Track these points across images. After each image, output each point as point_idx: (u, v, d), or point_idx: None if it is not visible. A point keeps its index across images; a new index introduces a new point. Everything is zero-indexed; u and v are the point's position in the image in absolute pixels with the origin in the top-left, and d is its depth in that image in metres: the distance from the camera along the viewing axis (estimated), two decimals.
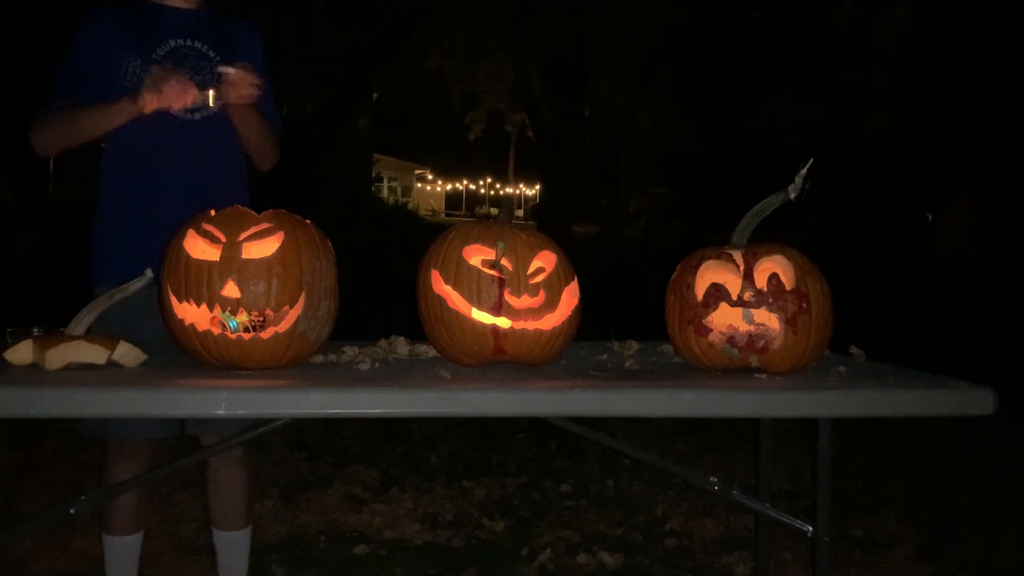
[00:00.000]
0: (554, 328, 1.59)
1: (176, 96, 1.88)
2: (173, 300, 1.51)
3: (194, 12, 2.06)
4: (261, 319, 1.48)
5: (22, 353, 1.46)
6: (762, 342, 1.55)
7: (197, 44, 2.03)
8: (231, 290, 1.47)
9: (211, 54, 2.04)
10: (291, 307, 1.50)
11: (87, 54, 1.98)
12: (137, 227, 1.97)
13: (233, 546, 2.19)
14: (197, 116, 1.99)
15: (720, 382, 1.50)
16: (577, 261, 1.70)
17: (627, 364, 1.71)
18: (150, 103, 1.87)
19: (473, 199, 39.84)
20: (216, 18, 2.10)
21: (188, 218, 1.64)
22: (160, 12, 2.03)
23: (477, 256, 1.58)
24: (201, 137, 2.01)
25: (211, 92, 1.93)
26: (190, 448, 2.10)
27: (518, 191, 36.67)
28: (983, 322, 8.39)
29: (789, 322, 1.54)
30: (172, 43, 2.00)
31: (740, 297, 1.56)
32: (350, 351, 1.70)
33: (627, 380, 1.51)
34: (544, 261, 1.61)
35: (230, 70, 1.92)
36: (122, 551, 2.07)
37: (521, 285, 1.56)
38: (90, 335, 1.52)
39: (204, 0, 2.10)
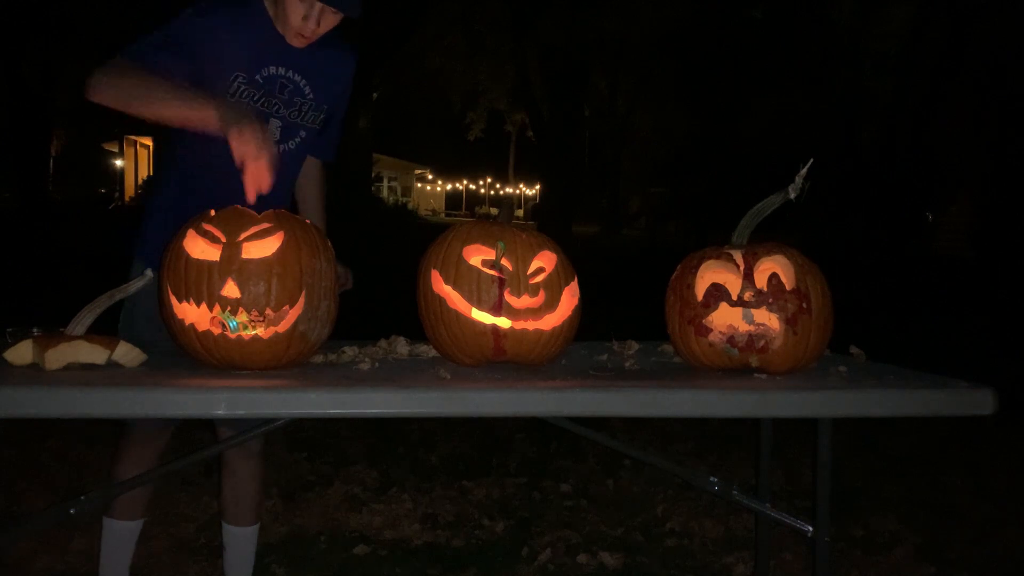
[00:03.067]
0: (554, 328, 1.59)
1: (247, 150, 1.67)
2: (173, 300, 1.51)
3: None
4: (261, 319, 1.48)
5: (22, 353, 1.46)
6: (762, 342, 1.55)
7: (296, 77, 1.96)
8: (231, 290, 1.47)
9: (306, 90, 1.98)
10: (291, 307, 1.50)
11: (198, 40, 1.83)
12: (180, 217, 1.90)
13: (244, 542, 2.19)
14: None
15: (720, 382, 1.50)
16: (577, 261, 1.70)
17: (627, 364, 1.71)
18: (227, 133, 1.68)
19: (473, 199, 39.88)
20: (322, 50, 1.98)
21: None
22: (273, 34, 1.92)
23: (477, 256, 1.58)
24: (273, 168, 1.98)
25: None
26: (189, 447, 2.11)
27: (518, 191, 36.71)
28: (983, 322, 8.39)
29: (789, 322, 1.54)
30: (273, 70, 1.93)
31: (740, 297, 1.56)
32: (350, 351, 1.70)
33: (627, 380, 1.51)
34: (544, 261, 1.61)
35: None
36: (121, 536, 2.07)
37: (521, 285, 1.56)
38: (90, 335, 1.52)
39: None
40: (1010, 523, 3.24)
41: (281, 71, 1.95)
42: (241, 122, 1.67)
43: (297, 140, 2.03)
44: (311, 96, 2.00)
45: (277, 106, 1.96)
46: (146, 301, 1.80)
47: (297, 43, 1.93)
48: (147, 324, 1.89)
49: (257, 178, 1.69)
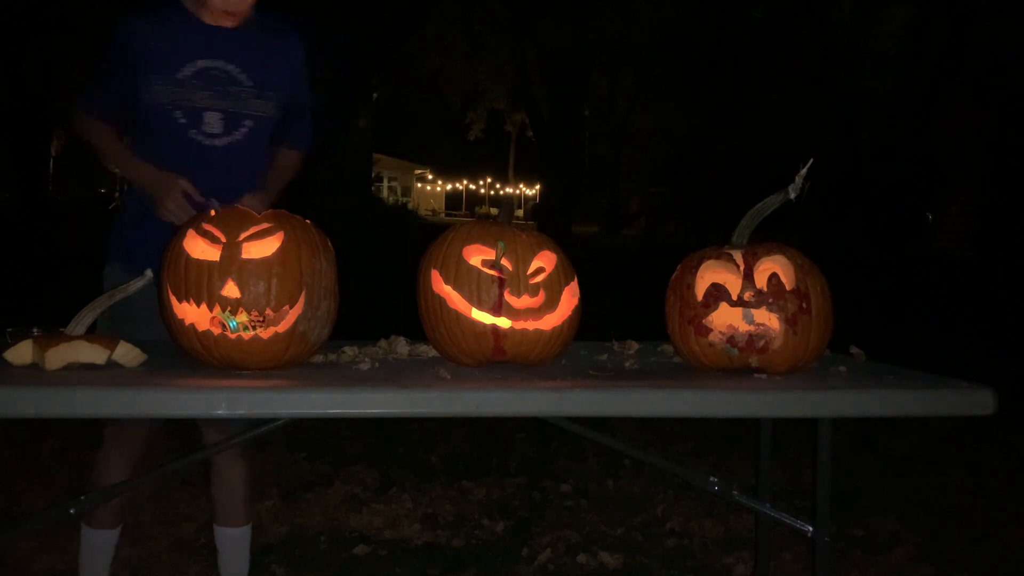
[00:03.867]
0: (554, 328, 1.59)
1: (167, 213, 1.86)
2: (173, 300, 1.51)
3: (233, 30, 1.97)
4: (261, 319, 1.48)
5: (22, 353, 1.46)
6: (762, 342, 1.55)
7: (229, 67, 1.96)
8: (231, 290, 1.47)
9: (242, 78, 1.97)
10: (291, 307, 1.50)
11: (119, 63, 1.93)
12: (151, 219, 1.92)
13: (237, 543, 2.19)
14: (218, 143, 1.97)
15: (720, 382, 1.50)
16: (577, 261, 1.70)
17: (627, 364, 1.71)
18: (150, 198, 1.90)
19: (473, 199, 39.86)
20: (257, 36, 2.00)
21: None
22: (195, 27, 1.94)
23: (477, 256, 1.58)
24: (221, 161, 1.98)
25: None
26: (188, 447, 2.11)
27: (518, 191, 36.69)
28: (983, 322, 8.39)
29: (789, 322, 1.54)
30: (200, 63, 1.93)
31: (740, 297, 1.56)
32: (350, 351, 1.70)
33: (627, 380, 1.51)
34: (544, 261, 1.61)
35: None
36: (100, 544, 2.07)
37: (521, 285, 1.56)
38: (90, 335, 1.52)
39: (248, 18, 1.99)
40: (1010, 523, 3.24)
41: (209, 62, 1.94)
42: (161, 194, 1.85)
43: (244, 130, 2.00)
44: (249, 84, 1.98)
45: (212, 98, 1.95)
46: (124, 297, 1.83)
47: (227, 22, 1.94)
48: (138, 322, 1.88)
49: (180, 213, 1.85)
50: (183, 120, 1.93)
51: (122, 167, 1.99)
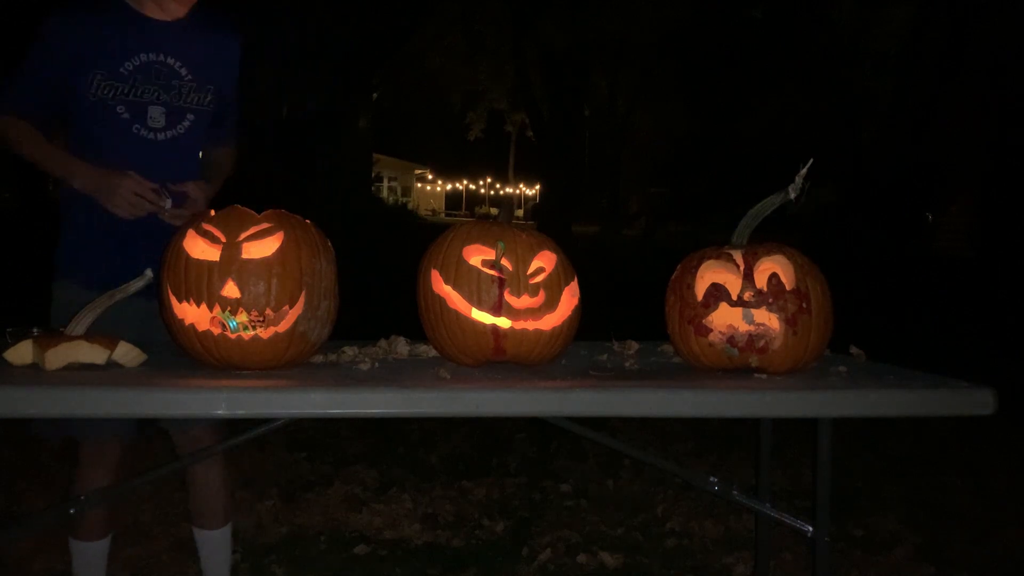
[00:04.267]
0: (554, 328, 1.59)
1: (123, 207, 1.83)
2: (173, 300, 1.51)
3: (173, 24, 1.97)
4: (261, 319, 1.48)
5: (22, 353, 1.46)
6: (762, 342, 1.55)
7: (170, 60, 1.95)
8: (231, 290, 1.47)
9: (183, 72, 1.97)
10: (291, 307, 1.50)
11: (51, 60, 1.89)
12: (97, 230, 1.93)
13: (217, 545, 2.18)
14: (161, 137, 1.96)
15: (720, 382, 1.50)
16: (577, 261, 1.70)
17: (627, 364, 1.71)
18: (99, 198, 1.85)
19: (473, 199, 39.86)
20: (196, 30, 2.00)
21: (144, 226, 1.80)
22: (136, 21, 1.94)
23: (477, 256, 1.58)
24: (164, 155, 1.97)
25: (167, 205, 1.86)
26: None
27: (518, 191, 36.70)
28: (983, 322, 8.39)
29: (789, 322, 1.54)
30: (143, 57, 1.92)
31: (740, 297, 1.56)
32: (350, 351, 1.70)
33: (627, 380, 1.51)
34: (544, 261, 1.61)
35: (181, 212, 1.86)
36: (90, 556, 2.06)
37: (521, 285, 1.56)
38: (90, 335, 1.52)
39: (192, 9, 1.99)
40: (1010, 523, 3.24)
41: (152, 56, 1.93)
42: (108, 191, 1.82)
43: (186, 124, 2.00)
44: (189, 78, 1.98)
45: (155, 92, 1.94)
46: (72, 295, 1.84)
47: (179, 9, 1.94)
48: (134, 322, 1.88)
49: (129, 205, 1.83)
50: (126, 115, 1.92)
51: (58, 168, 1.91)
